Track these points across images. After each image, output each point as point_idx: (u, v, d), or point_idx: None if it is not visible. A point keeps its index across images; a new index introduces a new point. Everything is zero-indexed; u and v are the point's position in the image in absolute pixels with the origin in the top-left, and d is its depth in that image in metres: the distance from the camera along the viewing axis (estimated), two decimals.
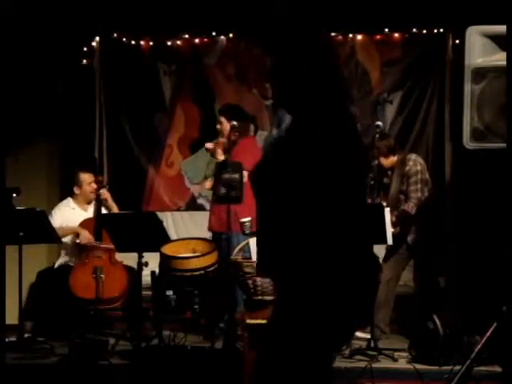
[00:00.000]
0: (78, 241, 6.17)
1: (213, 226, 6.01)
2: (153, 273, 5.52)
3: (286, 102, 2.66)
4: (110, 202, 6.32)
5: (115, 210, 6.30)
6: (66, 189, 6.86)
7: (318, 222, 2.54)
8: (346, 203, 2.58)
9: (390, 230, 5.43)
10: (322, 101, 2.60)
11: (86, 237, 6.15)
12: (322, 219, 2.54)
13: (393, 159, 6.03)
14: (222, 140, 5.94)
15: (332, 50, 2.77)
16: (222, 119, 5.95)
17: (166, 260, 5.41)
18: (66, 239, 6.30)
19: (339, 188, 2.57)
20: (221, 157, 5.81)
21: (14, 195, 5.84)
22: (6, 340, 5.59)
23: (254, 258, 4.76)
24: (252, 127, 6.27)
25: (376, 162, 5.80)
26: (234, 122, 5.76)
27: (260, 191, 2.63)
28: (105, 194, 6.30)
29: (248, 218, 5.38)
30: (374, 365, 5.05)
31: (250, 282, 4.60)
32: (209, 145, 6.07)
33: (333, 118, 2.60)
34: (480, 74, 4.60)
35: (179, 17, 7.15)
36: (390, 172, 6.06)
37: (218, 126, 6.00)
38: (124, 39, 7.60)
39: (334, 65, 2.70)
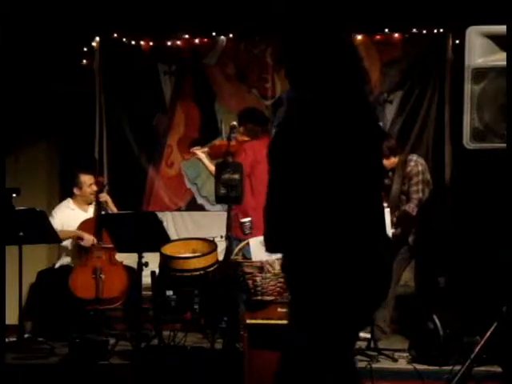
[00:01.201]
0: (82, 243, 6.17)
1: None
2: (153, 273, 5.53)
3: (300, 82, 2.69)
4: (111, 206, 6.31)
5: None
6: (66, 189, 6.87)
7: (330, 204, 2.53)
8: (360, 181, 2.59)
9: (390, 231, 5.43)
10: (335, 80, 2.62)
11: (90, 239, 6.14)
12: (333, 200, 2.54)
13: (394, 160, 6.02)
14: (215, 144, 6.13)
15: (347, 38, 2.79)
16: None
17: (166, 260, 5.41)
18: (67, 241, 6.30)
19: (353, 166, 2.57)
20: (206, 161, 6.16)
21: (14, 195, 5.84)
22: (6, 340, 5.60)
23: (254, 258, 4.76)
24: (260, 129, 6.27)
25: None
26: (234, 123, 5.78)
27: (273, 166, 2.63)
28: (105, 197, 6.29)
29: (248, 219, 5.39)
30: (374, 365, 5.06)
31: (250, 282, 4.60)
32: (195, 149, 6.22)
33: (346, 96, 2.62)
34: (480, 73, 4.60)
35: (179, 17, 7.15)
36: (390, 173, 6.06)
37: None
38: (124, 39, 7.59)
39: (349, 48, 2.72)
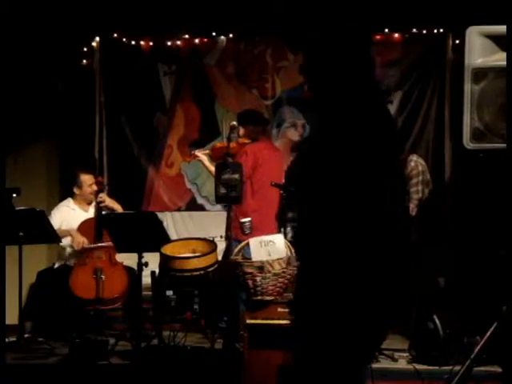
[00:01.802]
0: (74, 246, 6.17)
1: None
2: (153, 273, 5.52)
3: (320, 94, 2.71)
4: (110, 204, 6.29)
5: (119, 210, 6.28)
6: (66, 189, 6.87)
7: (355, 218, 2.56)
8: (381, 199, 2.61)
9: None
10: (353, 92, 2.64)
11: (79, 242, 6.12)
12: (358, 217, 2.57)
13: None
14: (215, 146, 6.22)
15: (366, 43, 2.81)
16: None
17: (165, 260, 5.40)
18: (65, 242, 6.30)
19: (374, 184, 2.60)
20: (207, 163, 6.14)
21: (14, 195, 5.84)
22: (6, 340, 5.59)
23: (254, 258, 4.75)
24: (261, 130, 6.27)
25: None
26: (234, 123, 5.78)
27: (297, 190, 2.67)
28: (103, 198, 6.26)
29: (248, 219, 5.39)
30: (374, 365, 5.04)
31: (250, 282, 4.60)
32: (197, 152, 6.24)
33: (364, 108, 2.65)
34: (480, 73, 4.60)
35: (179, 17, 7.16)
36: None
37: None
38: (124, 39, 7.60)
39: (366, 58, 2.73)
